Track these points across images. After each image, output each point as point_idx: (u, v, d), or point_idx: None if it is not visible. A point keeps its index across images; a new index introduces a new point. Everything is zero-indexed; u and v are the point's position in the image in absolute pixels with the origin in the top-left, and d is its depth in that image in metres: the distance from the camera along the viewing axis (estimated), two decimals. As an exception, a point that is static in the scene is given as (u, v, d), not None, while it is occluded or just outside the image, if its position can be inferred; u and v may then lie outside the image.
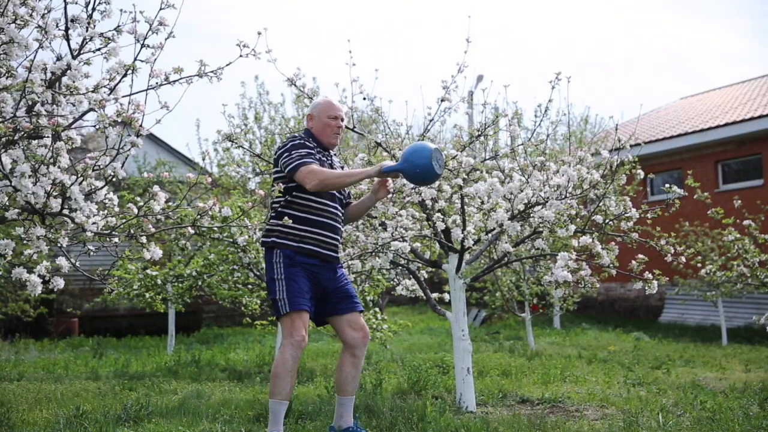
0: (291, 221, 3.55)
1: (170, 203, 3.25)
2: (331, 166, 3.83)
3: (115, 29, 3.00)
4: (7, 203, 2.90)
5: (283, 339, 3.57)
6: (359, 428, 3.77)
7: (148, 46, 3.01)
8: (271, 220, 3.74)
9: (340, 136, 3.89)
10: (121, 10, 3.00)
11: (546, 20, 48.08)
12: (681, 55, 48.27)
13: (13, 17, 2.82)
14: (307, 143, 3.74)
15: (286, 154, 3.66)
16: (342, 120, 3.86)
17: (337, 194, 3.82)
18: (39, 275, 2.84)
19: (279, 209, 3.70)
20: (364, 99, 5.22)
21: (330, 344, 9.21)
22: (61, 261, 2.94)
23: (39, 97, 2.82)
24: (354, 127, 5.13)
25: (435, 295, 5.05)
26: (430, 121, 5.07)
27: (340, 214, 3.85)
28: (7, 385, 5.75)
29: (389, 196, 4.61)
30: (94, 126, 2.88)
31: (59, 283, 2.93)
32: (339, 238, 3.82)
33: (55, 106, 2.90)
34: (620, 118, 21.21)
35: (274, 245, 3.68)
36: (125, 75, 2.95)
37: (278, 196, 3.69)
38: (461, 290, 4.87)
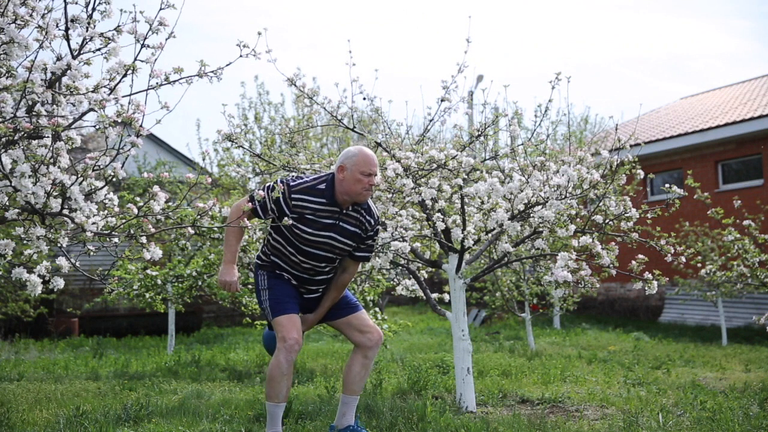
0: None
1: (170, 203, 3.25)
2: (341, 225, 3.55)
3: (115, 29, 3.00)
4: (7, 203, 2.91)
5: (277, 343, 3.57)
6: (360, 427, 3.77)
7: (148, 46, 3.01)
8: (262, 248, 3.77)
9: (371, 194, 3.57)
10: (121, 10, 3.01)
11: (546, 21, 48.10)
12: (681, 55, 48.30)
13: (13, 17, 2.83)
14: (282, 191, 3.45)
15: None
16: (375, 176, 3.54)
17: (322, 253, 3.57)
18: (39, 275, 2.84)
19: (264, 242, 3.74)
20: (364, 99, 5.23)
21: (330, 344, 9.22)
22: (61, 261, 2.94)
23: (39, 97, 2.83)
24: (354, 127, 5.14)
25: (435, 295, 5.05)
26: (430, 121, 5.07)
27: (323, 273, 3.66)
28: (7, 385, 5.75)
29: (390, 195, 4.61)
30: (94, 126, 2.88)
31: (59, 283, 2.93)
32: (320, 287, 3.72)
33: (55, 106, 2.90)
34: (620, 118, 21.22)
35: (256, 266, 3.76)
36: (125, 75, 2.95)
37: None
38: (461, 290, 4.87)
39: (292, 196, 3.50)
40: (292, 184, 3.53)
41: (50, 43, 2.96)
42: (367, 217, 3.63)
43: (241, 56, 3.26)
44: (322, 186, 3.55)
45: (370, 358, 3.74)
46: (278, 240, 3.62)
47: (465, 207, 4.69)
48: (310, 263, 3.61)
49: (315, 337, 10.10)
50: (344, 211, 3.56)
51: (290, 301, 3.61)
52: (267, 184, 3.56)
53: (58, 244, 3.01)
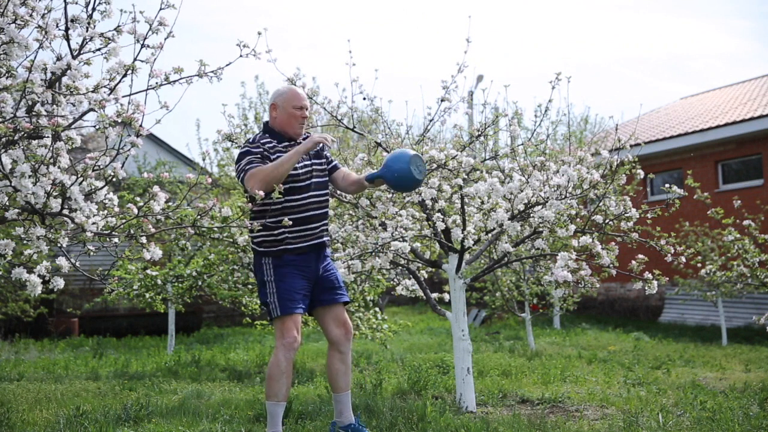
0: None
1: (170, 203, 3.25)
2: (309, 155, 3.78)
3: (115, 29, 3.00)
4: (7, 203, 2.90)
5: (276, 341, 3.57)
6: (361, 426, 3.77)
7: (148, 46, 3.01)
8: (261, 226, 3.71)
9: (305, 126, 3.82)
10: (121, 10, 3.00)
11: (546, 21, 48.10)
12: (681, 55, 48.30)
13: (13, 17, 2.82)
14: (251, 149, 3.65)
15: (236, 166, 3.66)
16: (307, 109, 3.79)
17: (314, 180, 3.74)
18: (39, 275, 2.84)
19: (256, 216, 3.66)
20: (364, 99, 5.22)
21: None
22: (61, 261, 2.94)
23: (39, 97, 2.82)
24: (354, 127, 5.13)
25: (435, 295, 5.05)
26: (430, 121, 5.07)
27: (322, 199, 3.77)
28: (7, 385, 5.75)
29: (390, 195, 4.61)
30: (94, 126, 2.88)
31: (59, 283, 2.92)
32: (324, 222, 3.77)
33: (55, 106, 2.90)
34: (620, 118, 21.24)
35: (260, 252, 3.69)
36: (125, 75, 2.95)
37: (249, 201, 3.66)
38: (461, 290, 4.86)
39: (261, 141, 3.70)
40: (254, 139, 3.75)
41: (50, 43, 2.96)
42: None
43: (241, 56, 3.26)
44: (267, 136, 3.77)
45: (345, 353, 3.78)
46: (282, 200, 3.61)
47: (465, 207, 4.68)
48: (310, 198, 3.69)
49: (315, 337, 10.10)
50: (299, 141, 3.78)
51: (296, 298, 3.58)
52: (240, 153, 3.67)
53: (58, 244, 3.00)
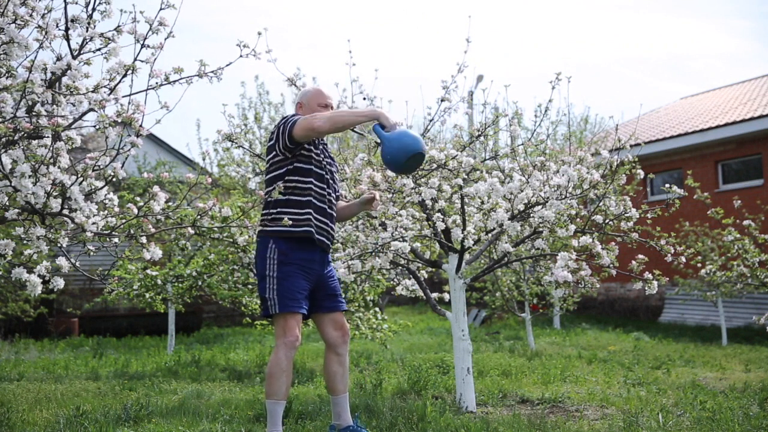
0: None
1: (170, 203, 3.25)
2: (328, 155, 3.83)
3: (115, 29, 3.00)
4: (7, 203, 2.91)
5: (276, 339, 3.55)
6: (360, 427, 3.77)
7: (148, 46, 3.01)
8: (265, 208, 3.64)
9: None
10: (121, 10, 3.01)
11: (546, 21, 48.11)
12: (681, 55, 48.32)
13: (13, 17, 2.83)
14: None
15: (286, 121, 3.60)
16: (332, 107, 3.83)
17: (335, 185, 3.81)
18: (39, 275, 2.84)
19: (273, 196, 3.55)
20: (364, 99, 5.23)
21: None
22: (61, 261, 2.94)
23: (39, 97, 2.82)
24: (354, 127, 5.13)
25: (435, 295, 5.05)
26: (430, 121, 5.07)
27: (335, 203, 3.83)
28: (7, 385, 5.75)
29: (390, 195, 4.61)
30: (94, 126, 2.88)
31: (59, 283, 2.92)
32: (333, 226, 3.80)
33: (55, 106, 2.90)
34: (620, 118, 21.24)
35: (268, 233, 3.58)
36: (125, 75, 2.95)
37: (271, 183, 3.62)
38: (461, 290, 4.86)
39: None
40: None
41: (50, 43, 2.96)
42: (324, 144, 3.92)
43: (241, 56, 3.26)
44: None
45: (342, 354, 3.77)
46: (309, 181, 3.63)
47: (465, 207, 4.68)
48: (328, 192, 3.72)
49: (315, 337, 10.10)
50: (324, 141, 3.87)
51: (299, 297, 3.55)
52: (293, 114, 3.69)
53: (58, 244, 3.01)
